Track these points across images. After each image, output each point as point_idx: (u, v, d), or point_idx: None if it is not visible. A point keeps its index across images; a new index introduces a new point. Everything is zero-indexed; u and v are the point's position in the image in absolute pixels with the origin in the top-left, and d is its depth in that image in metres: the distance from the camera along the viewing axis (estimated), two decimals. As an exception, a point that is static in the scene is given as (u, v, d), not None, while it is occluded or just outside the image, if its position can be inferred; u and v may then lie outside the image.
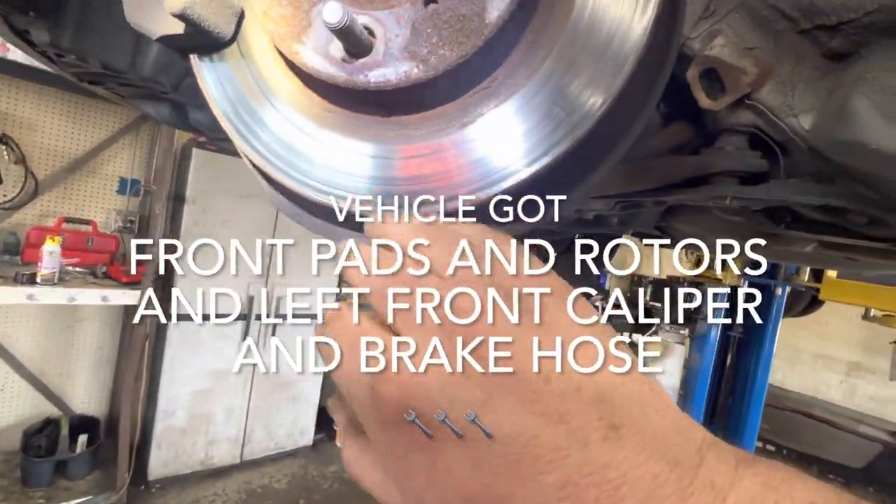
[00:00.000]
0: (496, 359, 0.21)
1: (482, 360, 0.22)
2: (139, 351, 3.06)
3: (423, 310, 0.23)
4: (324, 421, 4.17)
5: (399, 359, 0.22)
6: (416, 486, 0.23)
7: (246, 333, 3.46)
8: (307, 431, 4.04)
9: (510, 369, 0.21)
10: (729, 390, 3.25)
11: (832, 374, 8.78)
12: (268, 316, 3.55)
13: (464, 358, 0.22)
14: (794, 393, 7.89)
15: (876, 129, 0.49)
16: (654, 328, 3.20)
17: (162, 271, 3.25)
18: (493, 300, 0.23)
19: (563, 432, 0.20)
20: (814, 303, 6.84)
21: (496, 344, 0.22)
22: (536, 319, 0.23)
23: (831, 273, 3.92)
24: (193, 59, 0.39)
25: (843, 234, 0.83)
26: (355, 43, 0.31)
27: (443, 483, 0.22)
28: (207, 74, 0.38)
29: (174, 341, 3.21)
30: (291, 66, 0.35)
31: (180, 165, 3.44)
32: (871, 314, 5.77)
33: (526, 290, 0.24)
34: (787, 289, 5.90)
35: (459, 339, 0.22)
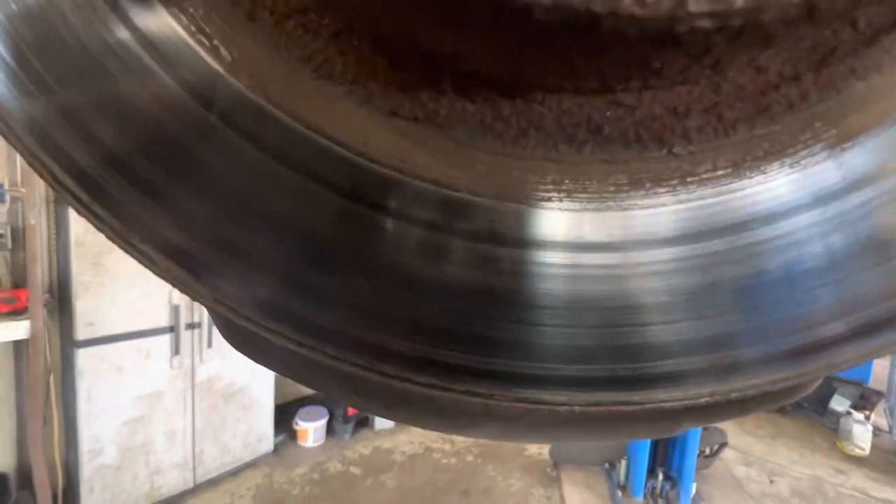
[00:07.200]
0: None
1: None
2: (41, 389, 2.55)
3: None
4: (283, 420, 3.88)
5: None
6: None
7: (177, 348, 3.03)
8: (266, 437, 3.73)
9: None
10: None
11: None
12: (199, 324, 3.14)
13: None
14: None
15: None
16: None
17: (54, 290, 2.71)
18: None
19: None
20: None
21: None
22: None
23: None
24: None
25: None
26: None
27: None
28: None
29: (88, 370, 2.72)
30: None
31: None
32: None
33: None
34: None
35: None
